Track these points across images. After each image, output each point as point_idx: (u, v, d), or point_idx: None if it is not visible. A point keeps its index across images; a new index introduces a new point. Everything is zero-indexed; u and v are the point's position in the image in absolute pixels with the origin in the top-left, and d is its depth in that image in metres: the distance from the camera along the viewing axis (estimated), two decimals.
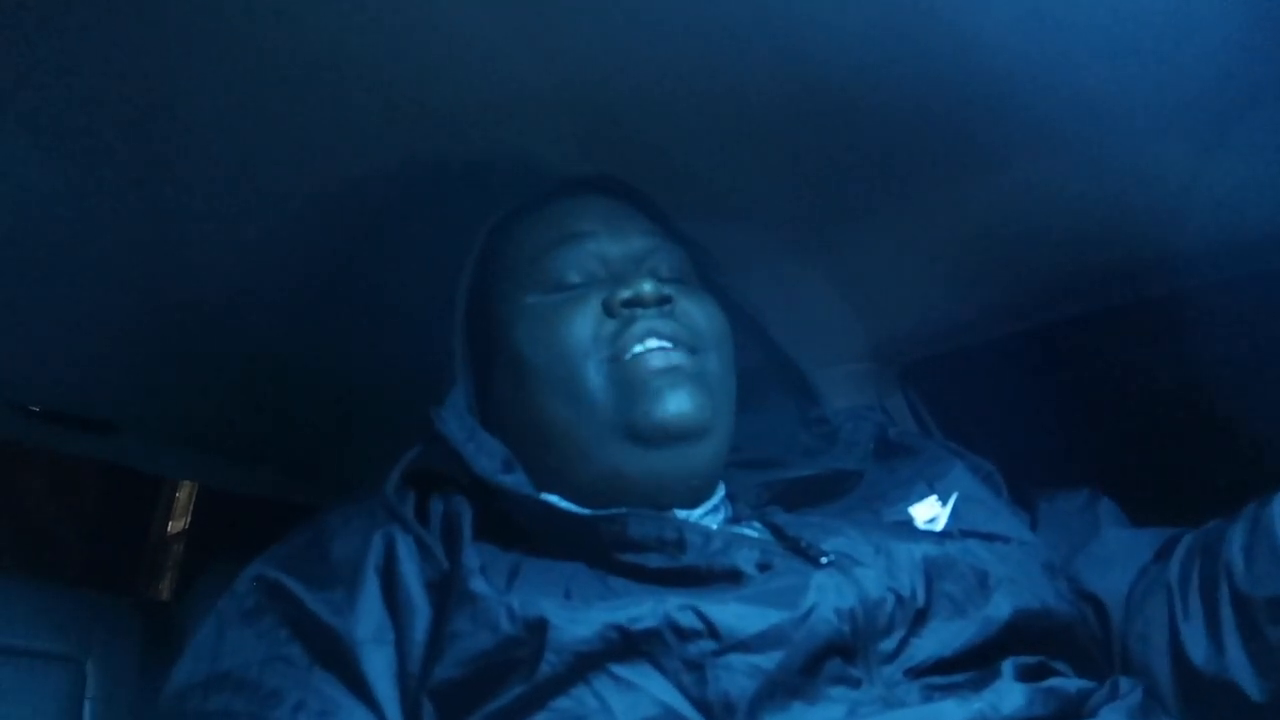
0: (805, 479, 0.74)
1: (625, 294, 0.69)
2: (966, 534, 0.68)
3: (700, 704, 0.54)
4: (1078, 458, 0.78)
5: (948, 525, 0.70)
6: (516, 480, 0.66)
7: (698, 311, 0.72)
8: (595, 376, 0.68)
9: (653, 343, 0.68)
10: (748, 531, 0.68)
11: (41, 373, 1.10)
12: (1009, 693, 0.56)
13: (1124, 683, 0.61)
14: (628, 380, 0.68)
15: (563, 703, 0.55)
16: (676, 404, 0.67)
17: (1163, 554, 0.71)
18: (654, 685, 0.55)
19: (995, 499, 0.75)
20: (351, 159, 0.82)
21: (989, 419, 0.98)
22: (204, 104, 0.74)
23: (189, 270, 0.93)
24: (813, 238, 0.95)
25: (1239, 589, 0.64)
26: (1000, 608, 0.62)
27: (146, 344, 1.04)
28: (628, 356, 0.68)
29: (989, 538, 0.68)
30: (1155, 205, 0.85)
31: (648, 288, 0.69)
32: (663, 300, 0.70)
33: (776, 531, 0.66)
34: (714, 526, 0.69)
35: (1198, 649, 0.65)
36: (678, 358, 0.69)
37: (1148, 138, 0.78)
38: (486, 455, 0.67)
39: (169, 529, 2.12)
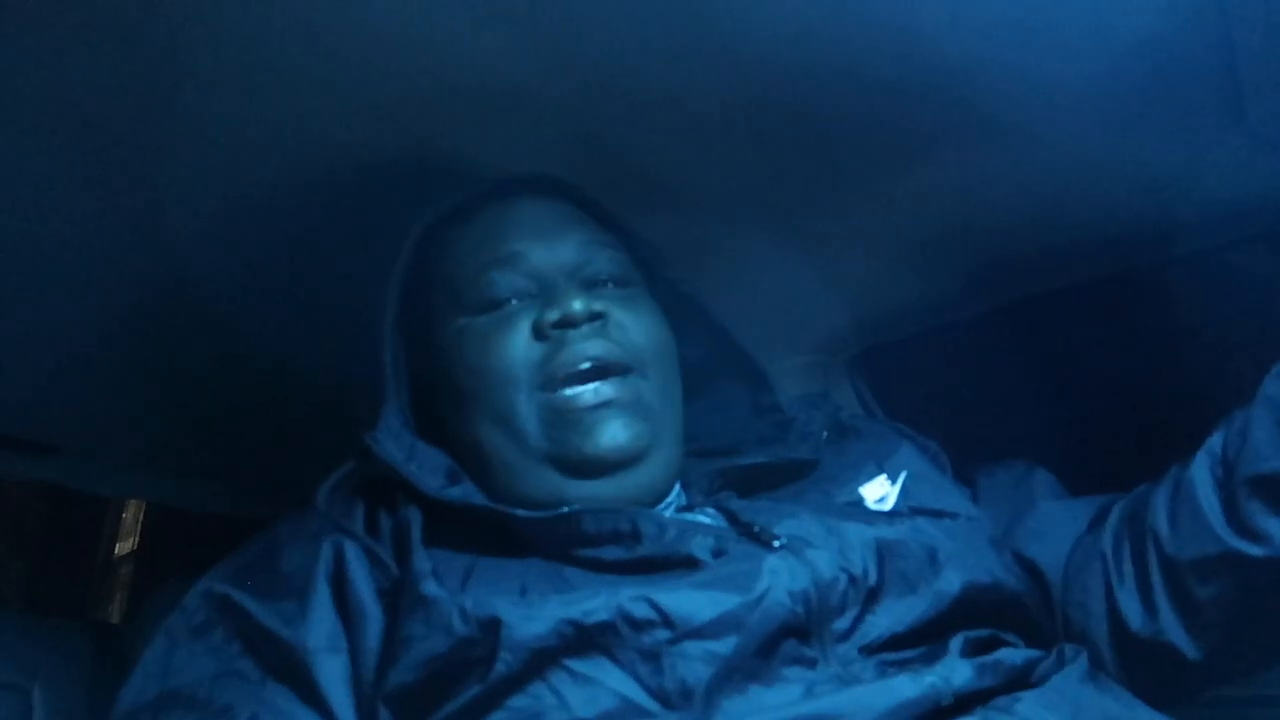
0: (759, 466, 0.74)
1: (553, 315, 0.68)
2: (916, 511, 0.69)
3: (658, 693, 0.55)
4: (1026, 441, 0.79)
5: (897, 503, 0.71)
6: (465, 491, 0.66)
7: (633, 324, 0.71)
8: (526, 407, 0.67)
9: (585, 365, 0.67)
10: (702, 518, 0.68)
11: None
12: (959, 667, 0.57)
13: (1069, 649, 0.62)
14: (558, 416, 0.67)
15: (519, 701, 0.55)
16: (610, 437, 0.66)
17: (1096, 522, 0.73)
18: (611, 678, 0.55)
19: (941, 476, 0.76)
20: (295, 161, 0.80)
21: (937, 405, 1.00)
22: (183, 107, 0.73)
23: (133, 285, 0.91)
24: (761, 232, 0.95)
25: (1166, 553, 0.66)
26: (951, 583, 0.63)
27: (89, 362, 1.02)
28: (558, 394, 0.67)
29: (937, 514, 0.69)
30: (1100, 189, 0.87)
31: (577, 306, 0.68)
32: (593, 317, 0.68)
33: (730, 517, 0.67)
34: (668, 515, 0.69)
35: (1134, 614, 0.67)
36: (608, 391, 0.67)
37: (1092, 123, 0.80)
38: (430, 472, 0.66)
39: (117, 550, 2.07)
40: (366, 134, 0.78)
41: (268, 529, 0.68)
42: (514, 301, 0.71)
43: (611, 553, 0.62)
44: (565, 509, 0.63)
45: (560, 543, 0.62)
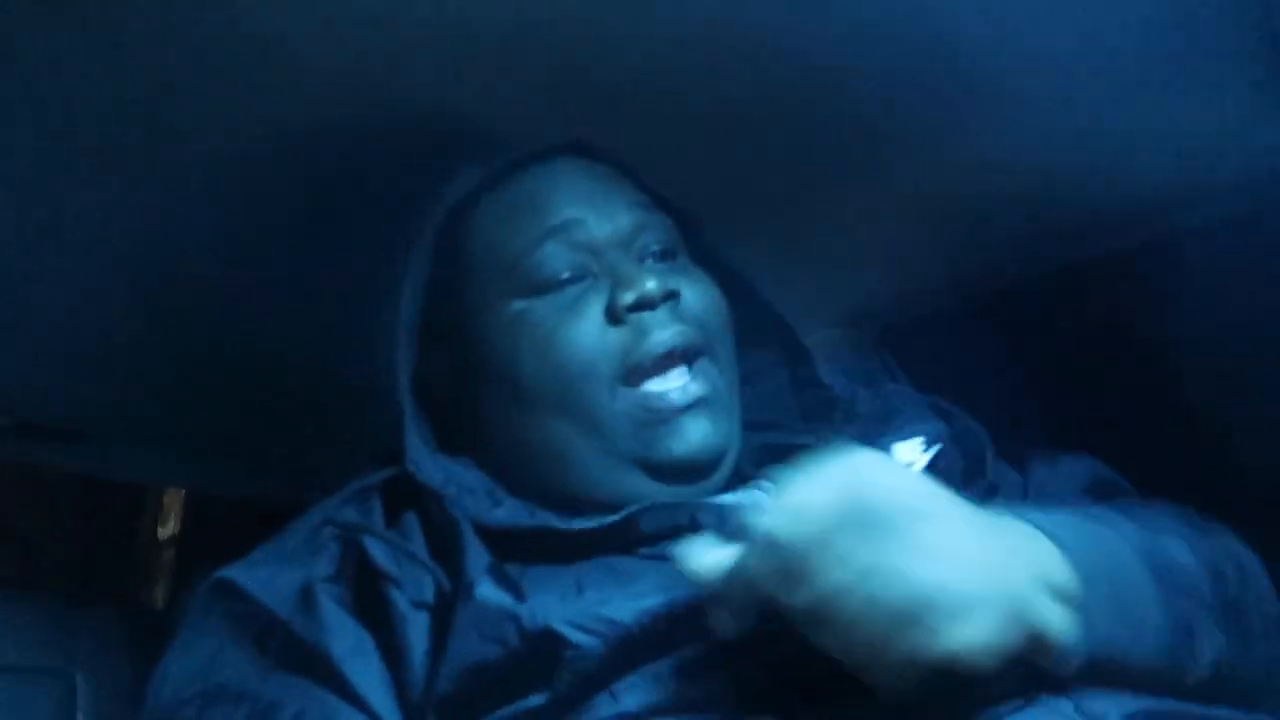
0: (805, 447, 0.71)
1: (629, 298, 0.64)
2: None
3: (716, 693, 0.53)
4: (1054, 415, 0.78)
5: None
6: (510, 514, 0.62)
7: (699, 301, 0.68)
8: (611, 403, 0.63)
9: (665, 353, 0.64)
10: (755, 494, 0.65)
11: (9, 384, 1.08)
12: None
13: None
14: (649, 415, 0.63)
15: (579, 705, 0.53)
16: (703, 439, 0.64)
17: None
18: (670, 678, 0.53)
19: (977, 464, 0.73)
20: (328, 147, 0.79)
21: (965, 379, 0.98)
22: (178, 98, 0.73)
23: (160, 269, 0.92)
24: (787, 203, 0.94)
25: None
26: None
27: (121, 348, 1.03)
28: (647, 391, 0.64)
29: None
30: (1131, 157, 0.85)
31: (652, 286, 0.64)
32: (668, 297, 0.65)
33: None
34: (723, 500, 0.66)
35: None
36: (696, 389, 0.64)
37: (1121, 89, 0.77)
38: (469, 494, 0.63)
39: (159, 534, 2.10)
40: (373, 104, 0.77)
41: (296, 519, 0.66)
42: (574, 281, 0.66)
43: (670, 548, 0.59)
44: (619, 515, 0.60)
45: (617, 545, 0.60)
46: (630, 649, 0.53)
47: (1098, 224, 0.92)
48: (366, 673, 0.56)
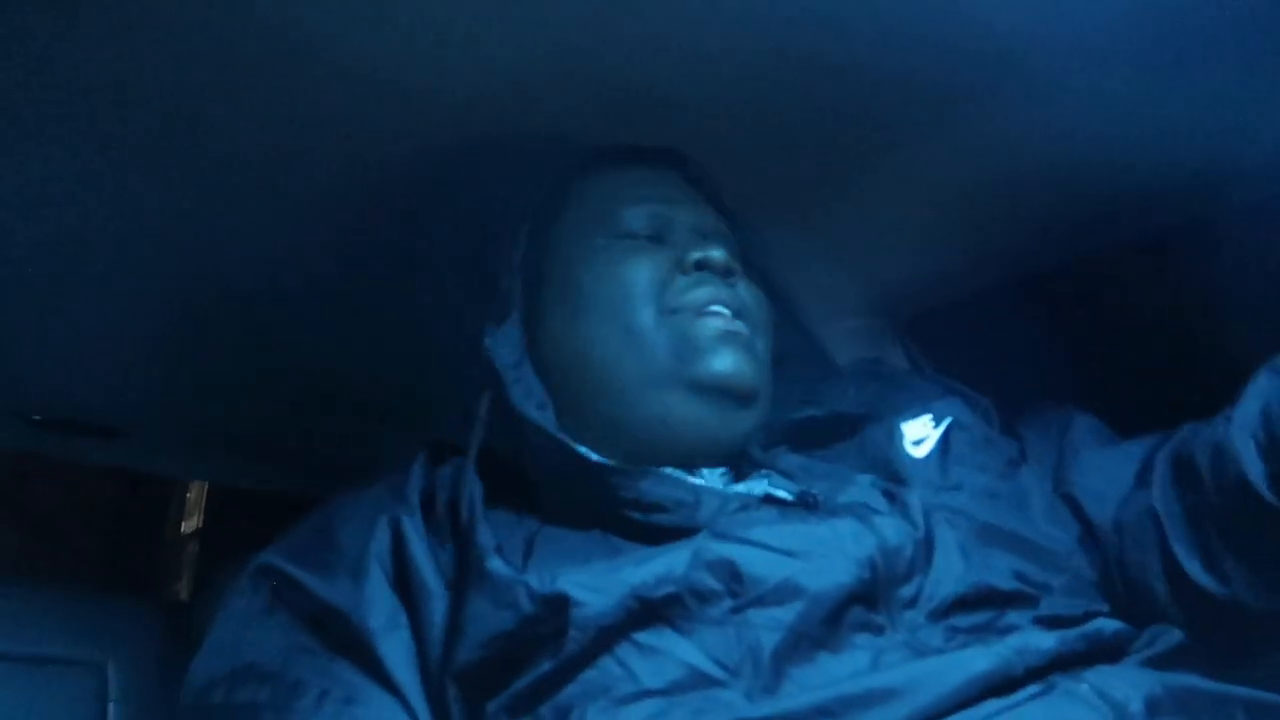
0: (811, 420, 0.75)
1: (697, 255, 0.71)
2: (953, 463, 0.70)
3: (725, 662, 0.54)
4: (1085, 403, 0.78)
5: (934, 451, 0.71)
6: (545, 418, 0.67)
7: (750, 296, 0.73)
8: (655, 325, 0.69)
9: (715, 308, 0.69)
10: (761, 485, 0.68)
11: (43, 381, 1.10)
12: (1037, 636, 0.56)
13: (1160, 631, 0.61)
14: (685, 334, 0.68)
15: (588, 674, 0.55)
16: (735, 362, 0.68)
17: (1143, 476, 0.70)
18: (677, 648, 0.55)
19: (988, 430, 0.75)
20: (359, 151, 0.81)
21: (992, 369, 0.98)
22: (219, 104, 0.74)
23: (194, 271, 0.93)
24: (804, 195, 0.94)
25: (1219, 516, 0.65)
26: (996, 558, 0.63)
27: (150, 347, 1.05)
28: (689, 312, 0.69)
29: (980, 468, 0.70)
30: (1157, 139, 0.84)
31: (718, 254, 0.70)
32: (729, 271, 0.71)
33: (789, 485, 0.67)
34: (728, 483, 0.68)
35: (1197, 571, 0.65)
36: (737, 324, 0.70)
37: (1145, 71, 0.77)
38: (524, 389, 0.68)
39: (183, 528, 2.12)
40: (419, 121, 0.78)
41: (328, 502, 0.68)
42: (651, 238, 0.74)
43: (668, 519, 0.61)
44: (631, 467, 0.63)
45: (618, 501, 0.62)
46: (636, 608, 0.55)
47: (1127, 208, 0.92)
48: (398, 648, 0.58)
